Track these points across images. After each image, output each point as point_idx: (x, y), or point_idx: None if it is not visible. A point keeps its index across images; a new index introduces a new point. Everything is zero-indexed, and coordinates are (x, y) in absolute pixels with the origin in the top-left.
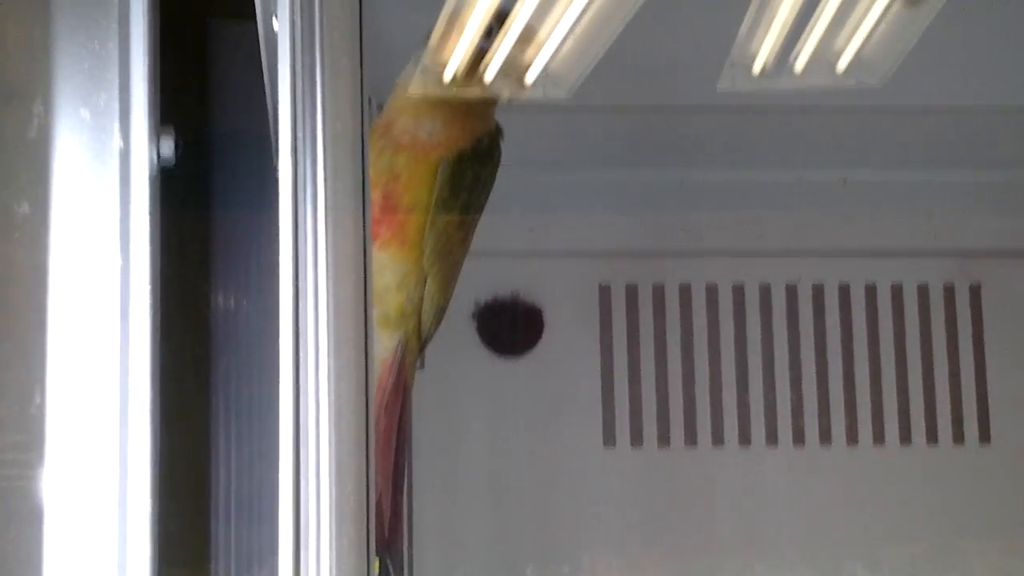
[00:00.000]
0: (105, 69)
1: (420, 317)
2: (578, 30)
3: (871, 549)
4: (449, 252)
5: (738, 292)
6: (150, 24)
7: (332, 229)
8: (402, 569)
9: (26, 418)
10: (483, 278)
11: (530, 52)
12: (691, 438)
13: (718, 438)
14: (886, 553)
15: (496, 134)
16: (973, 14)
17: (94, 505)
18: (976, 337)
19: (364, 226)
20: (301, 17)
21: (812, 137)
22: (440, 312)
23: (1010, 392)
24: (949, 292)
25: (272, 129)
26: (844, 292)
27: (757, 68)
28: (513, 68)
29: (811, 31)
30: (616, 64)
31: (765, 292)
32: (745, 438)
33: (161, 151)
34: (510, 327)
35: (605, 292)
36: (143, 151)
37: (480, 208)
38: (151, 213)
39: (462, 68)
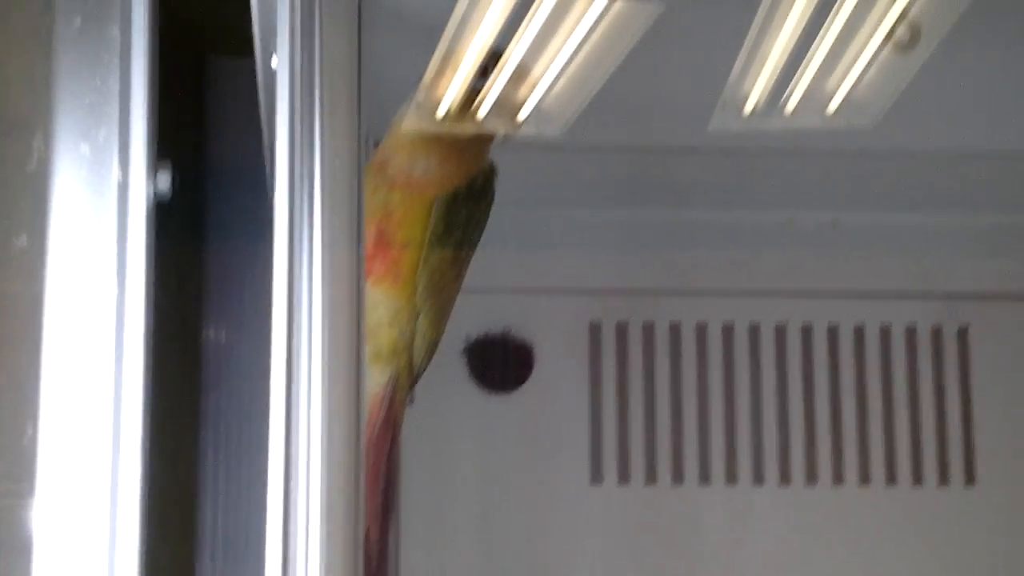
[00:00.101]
0: (106, 104)
1: (412, 353)
2: (571, 69)
3: None
4: (442, 288)
5: (727, 331)
6: (150, 61)
7: (328, 265)
8: None
9: (18, 450)
10: (474, 314)
11: (524, 90)
12: (678, 476)
13: (705, 476)
14: None
15: (491, 173)
16: (962, 60)
17: (83, 537)
18: (963, 379)
19: (359, 263)
20: (301, 56)
21: (803, 179)
22: (432, 348)
23: (996, 435)
24: (937, 334)
25: (268, 164)
26: (833, 333)
27: (748, 109)
28: (507, 105)
29: (802, 74)
30: (609, 104)
31: (754, 332)
32: (732, 477)
33: (158, 185)
34: (500, 363)
35: (595, 330)
36: (141, 185)
37: (473, 245)
38: (147, 246)
39: (456, 105)
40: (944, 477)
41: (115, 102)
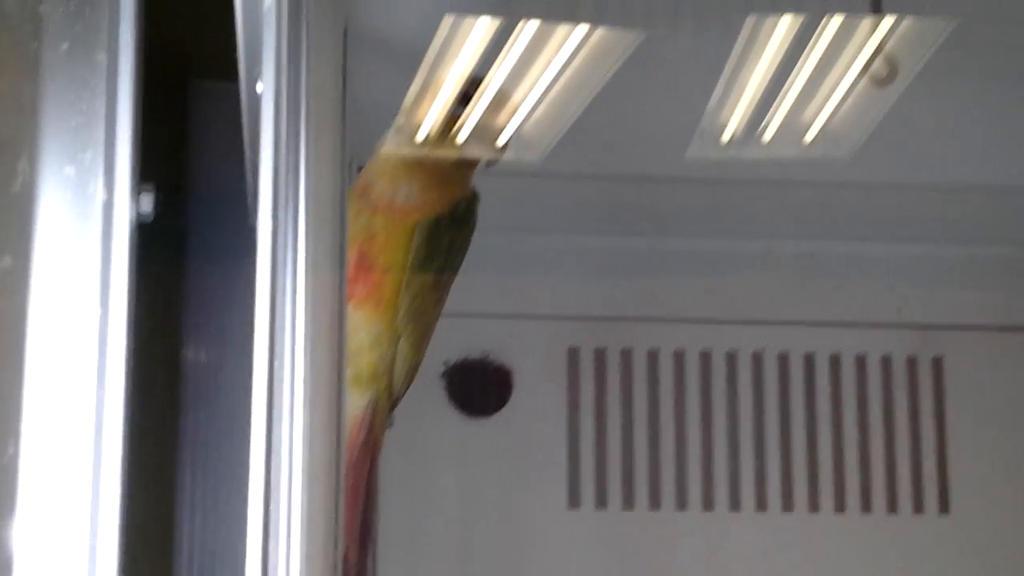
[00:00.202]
0: (92, 127)
1: (392, 376)
2: (550, 97)
3: None
4: (423, 313)
5: (705, 358)
6: (136, 85)
7: (311, 288)
8: None
9: None
10: (453, 338)
11: (503, 117)
12: (655, 502)
13: (682, 502)
14: None
15: (473, 200)
16: (939, 95)
17: (64, 557)
18: (937, 409)
19: (341, 286)
20: (287, 82)
21: (781, 210)
22: (412, 372)
23: (970, 463)
24: (912, 364)
25: (250, 187)
26: (809, 361)
27: (726, 137)
28: (487, 132)
29: (779, 104)
30: (589, 134)
31: (731, 359)
32: (709, 503)
33: (141, 207)
34: (480, 388)
35: (574, 355)
36: (125, 207)
37: (455, 271)
38: (130, 267)
39: (436, 131)
40: (919, 505)
41: (101, 125)
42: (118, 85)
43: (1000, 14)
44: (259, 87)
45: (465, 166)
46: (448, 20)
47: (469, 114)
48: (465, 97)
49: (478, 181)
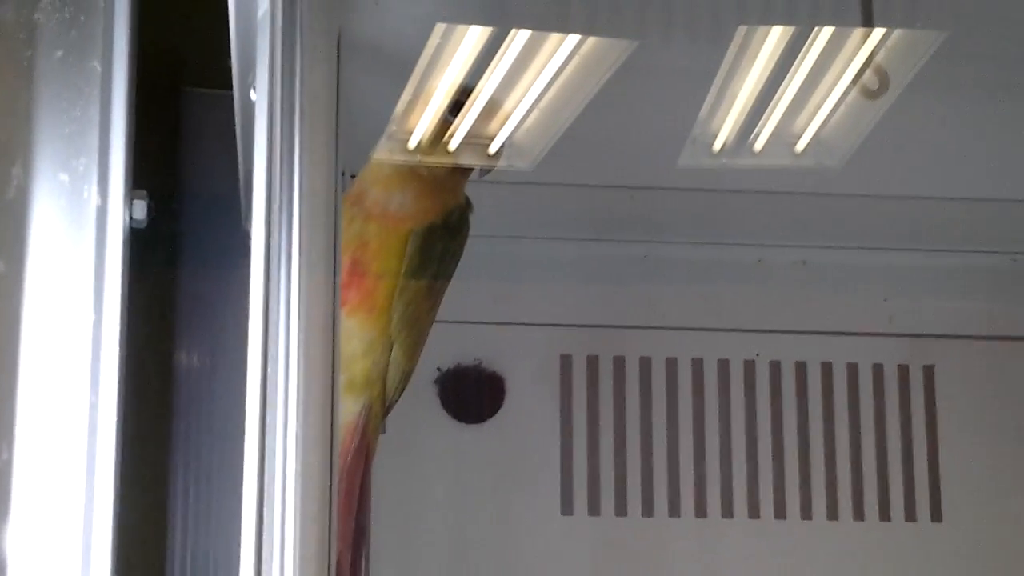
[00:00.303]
0: (85, 134)
1: (385, 383)
2: (542, 105)
3: None
4: (416, 320)
5: (697, 366)
6: (129, 93)
7: (305, 295)
8: None
9: None
10: (446, 345)
11: (494, 124)
12: (648, 509)
13: (675, 509)
14: None
15: (466, 208)
16: (929, 106)
17: (57, 560)
18: (929, 417)
19: (335, 292)
20: (281, 90)
21: (773, 219)
22: (405, 378)
23: (962, 472)
24: (903, 372)
25: (243, 194)
26: (800, 369)
27: (718, 146)
28: (478, 140)
29: (771, 113)
30: (581, 142)
31: (723, 367)
32: (701, 511)
33: (134, 213)
34: (472, 394)
35: (567, 362)
36: (118, 213)
37: (448, 278)
38: (123, 272)
39: (427, 139)
40: (911, 513)
41: (95, 132)
42: (112, 92)
43: (990, 27)
44: (253, 95)
45: (459, 175)
46: (440, 29)
47: (461, 122)
48: (457, 105)
49: (471, 189)
